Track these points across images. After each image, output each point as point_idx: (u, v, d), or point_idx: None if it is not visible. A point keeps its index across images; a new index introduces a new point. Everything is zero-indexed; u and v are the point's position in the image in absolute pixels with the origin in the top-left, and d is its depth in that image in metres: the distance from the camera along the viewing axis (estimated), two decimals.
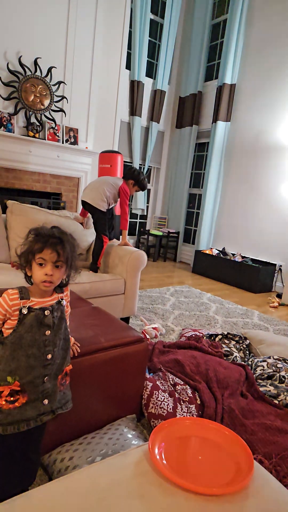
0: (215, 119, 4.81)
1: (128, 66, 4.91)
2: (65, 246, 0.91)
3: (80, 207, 4.54)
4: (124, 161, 4.99)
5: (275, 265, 4.28)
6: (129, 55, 4.87)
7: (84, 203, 2.65)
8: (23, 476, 1.02)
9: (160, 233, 5.40)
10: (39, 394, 0.92)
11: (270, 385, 1.72)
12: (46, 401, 0.93)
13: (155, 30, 5.31)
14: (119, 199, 2.68)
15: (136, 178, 2.65)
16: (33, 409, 0.91)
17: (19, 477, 1.01)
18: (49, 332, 0.93)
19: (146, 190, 5.44)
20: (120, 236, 2.80)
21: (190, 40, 5.27)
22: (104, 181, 2.67)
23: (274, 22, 4.27)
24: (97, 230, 2.63)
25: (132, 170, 2.67)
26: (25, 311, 0.89)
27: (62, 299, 0.98)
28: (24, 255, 0.91)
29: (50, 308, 0.93)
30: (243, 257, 4.59)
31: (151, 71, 5.31)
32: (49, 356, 0.93)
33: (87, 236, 2.76)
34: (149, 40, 5.10)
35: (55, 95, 4.02)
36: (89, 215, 2.76)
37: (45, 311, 0.92)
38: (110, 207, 2.71)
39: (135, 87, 4.92)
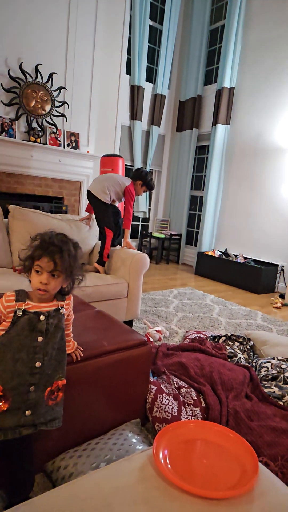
0: (214, 122, 4.83)
1: (128, 71, 4.94)
2: (64, 256, 0.88)
3: (82, 210, 4.56)
4: (126, 165, 5.01)
5: (277, 265, 4.27)
6: (129, 61, 4.90)
7: (88, 193, 2.70)
8: (15, 486, 0.96)
9: (163, 236, 5.40)
10: (21, 403, 0.87)
11: (274, 386, 1.70)
12: (28, 412, 0.88)
13: (154, 36, 5.34)
14: (123, 199, 2.70)
15: (144, 178, 2.71)
16: (13, 418, 0.86)
17: (10, 487, 0.96)
18: (41, 338, 0.89)
19: (148, 193, 5.45)
20: (122, 240, 2.81)
21: (189, 45, 5.30)
22: (111, 177, 2.73)
23: (271, 26, 4.29)
24: (99, 223, 2.66)
25: (140, 171, 2.74)
26: (19, 313, 0.88)
27: (61, 307, 0.95)
28: (27, 259, 0.90)
29: (46, 314, 0.91)
30: (245, 258, 4.57)
31: (151, 76, 5.34)
32: (38, 364, 0.89)
33: (88, 239, 2.76)
34: (148, 46, 5.13)
35: (56, 100, 4.05)
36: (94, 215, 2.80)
37: (40, 316, 0.89)
38: (115, 203, 2.74)
39: (135, 92, 4.94)
